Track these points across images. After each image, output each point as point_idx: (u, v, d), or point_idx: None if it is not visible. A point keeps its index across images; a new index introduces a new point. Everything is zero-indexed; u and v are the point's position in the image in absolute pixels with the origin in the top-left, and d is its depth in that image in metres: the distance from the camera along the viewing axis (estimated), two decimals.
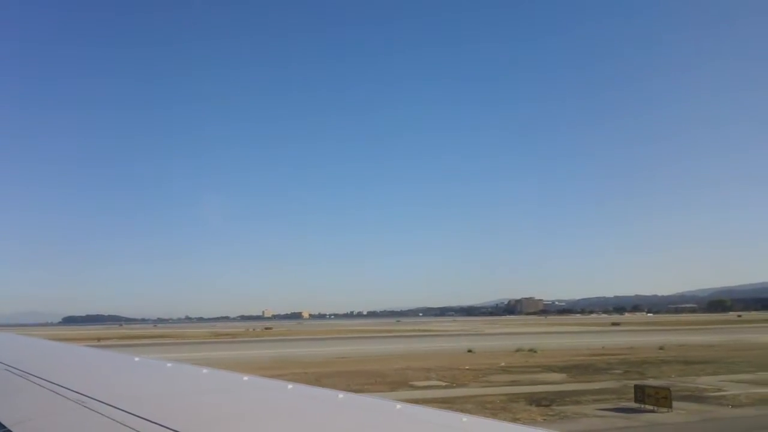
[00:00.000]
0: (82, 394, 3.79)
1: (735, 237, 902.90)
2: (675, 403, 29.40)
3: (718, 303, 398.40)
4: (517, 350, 65.47)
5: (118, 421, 3.04)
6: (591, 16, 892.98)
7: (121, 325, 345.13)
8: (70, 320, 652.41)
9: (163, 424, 2.88)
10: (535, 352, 63.25)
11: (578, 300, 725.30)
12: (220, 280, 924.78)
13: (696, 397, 32.95)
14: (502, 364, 52.06)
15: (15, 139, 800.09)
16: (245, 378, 4.36)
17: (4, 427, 3.38)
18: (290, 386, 3.90)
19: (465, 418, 2.97)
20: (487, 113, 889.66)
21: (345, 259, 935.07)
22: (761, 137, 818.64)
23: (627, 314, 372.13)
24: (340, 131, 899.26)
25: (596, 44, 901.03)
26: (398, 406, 3.22)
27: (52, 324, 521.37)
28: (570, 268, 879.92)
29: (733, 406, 29.58)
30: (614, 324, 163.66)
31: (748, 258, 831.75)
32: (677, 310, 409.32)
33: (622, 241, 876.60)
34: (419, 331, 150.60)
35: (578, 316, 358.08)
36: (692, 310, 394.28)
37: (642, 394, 29.75)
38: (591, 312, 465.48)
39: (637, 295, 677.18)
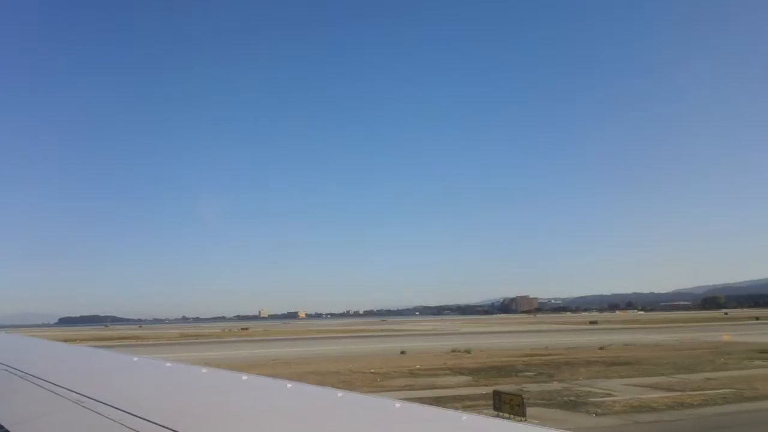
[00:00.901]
0: (81, 394, 3.79)
1: (733, 234, 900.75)
2: (537, 410, 26.92)
3: (711, 300, 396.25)
4: (452, 351, 62.83)
5: (117, 421, 3.05)
6: (591, 15, 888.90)
7: (106, 325, 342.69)
8: (65, 321, 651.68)
9: (162, 424, 2.89)
10: (468, 353, 60.62)
11: (576, 298, 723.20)
12: (217, 280, 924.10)
13: (571, 402, 30.27)
14: (417, 366, 49.41)
15: (9, 138, 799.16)
16: (244, 377, 4.32)
17: (3, 427, 3.37)
18: (289, 385, 3.89)
19: (465, 416, 2.96)
20: (484, 111, 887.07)
21: (343, 258, 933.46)
22: (760, 133, 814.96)
23: (618, 312, 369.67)
24: (338, 130, 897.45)
25: (594, 44, 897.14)
26: (398, 404, 3.20)
27: (47, 325, 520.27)
28: (569, 267, 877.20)
29: (597, 415, 26.90)
30: (592, 323, 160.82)
31: (746, 255, 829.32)
32: (671, 308, 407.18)
33: (621, 239, 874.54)
34: (391, 331, 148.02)
35: (568, 314, 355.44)
36: (686, 308, 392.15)
37: (499, 401, 27.21)
38: (585, 310, 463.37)
39: (634, 293, 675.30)
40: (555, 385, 36.76)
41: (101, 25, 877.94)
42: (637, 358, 52.56)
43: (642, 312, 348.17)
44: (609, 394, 32.91)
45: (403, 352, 63.19)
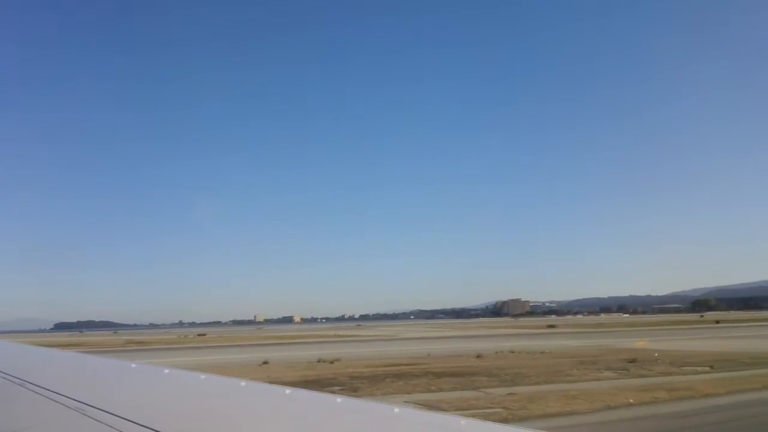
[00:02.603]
0: (80, 401, 3.75)
1: (730, 236, 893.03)
2: None
3: (701, 303, 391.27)
4: (320, 360, 58.08)
5: (117, 428, 3.01)
6: (590, 15, 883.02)
7: (81, 331, 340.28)
8: (61, 327, 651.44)
9: (161, 430, 2.88)
10: (332, 363, 55.72)
11: (572, 301, 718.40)
12: (213, 285, 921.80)
13: None
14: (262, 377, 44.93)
15: (4, 144, 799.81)
16: (243, 383, 4.31)
17: None
18: (288, 391, 3.89)
19: (464, 420, 2.95)
20: (480, 113, 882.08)
21: (339, 262, 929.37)
22: (759, 136, 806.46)
23: (602, 315, 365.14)
24: (334, 133, 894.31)
25: (591, 46, 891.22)
26: (396, 409, 3.22)
27: (43, 331, 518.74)
28: (566, 270, 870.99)
29: None
30: (549, 326, 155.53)
31: (742, 257, 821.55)
32: (662, 310, 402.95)
33: (619, 242, 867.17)
34: (345, 336, 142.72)
35: (553, 317, 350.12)
36: (677, 310, 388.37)
37: None
38: (576, 313, 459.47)
39: (631, 296, 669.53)
40: None
41: (95, 30, 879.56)
42: (492, 368, 47.41)
43: (626, 315, 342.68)
44: None
45: (265, 362, 58.55)
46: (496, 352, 62.15)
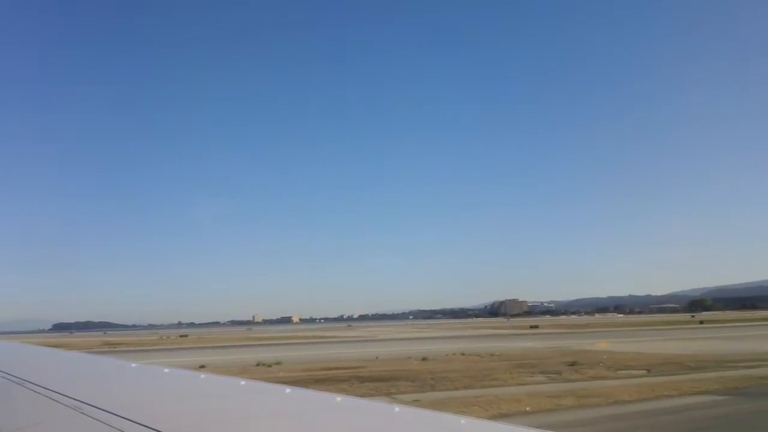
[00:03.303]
0: (79, 400, 3.74)
1: (730, 236, 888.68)
2: None
3: (698, 303, 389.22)
4: (258, 364, 56.37)
5: (116, 428, 3.01)
6: (591, 15, 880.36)
7: (71, 332, 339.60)
8: (60, 327, 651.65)
9: (161, 430, 2.88)
10: (269, 366, 53.89)
11: (572, 301, 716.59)
12: (213, 285, 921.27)
13: None
14: None
15: (3, 144, 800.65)
16: (242, 382, 4.32)
17: None
18: (288, 390, 3.88)
19: (464, 420, 2.95)
20: (479, 113, 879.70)
21: (340, 263, 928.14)
22: (759, 136, 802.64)
23: (597, 315, 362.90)
24: (334, 133, 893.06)
25: (590, 46, 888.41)
26: (397, 408, 3.23)
27: (42, 331, 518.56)
28: (566, 270, 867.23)
29: None
30: (533, 327, 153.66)
31: (742, 257, 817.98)
32: (659, 310, 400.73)
33: (619, 242, 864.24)
34: (321, 337, 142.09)
35: (547, 317, 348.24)
36: (673, 310, 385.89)
37: None
38: (573, 313, 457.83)
39: (630, 295, 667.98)
40: None
41: (95, 31, 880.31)
42: (424, 372, 45.45)
43: (621, 315, 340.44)
44: None
45: (202, 366, 56.75)
46: (447, 355, 60.45)
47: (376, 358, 59.92)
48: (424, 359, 55.52)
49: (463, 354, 60.62)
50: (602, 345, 70.53)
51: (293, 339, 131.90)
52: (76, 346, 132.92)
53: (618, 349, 63.98)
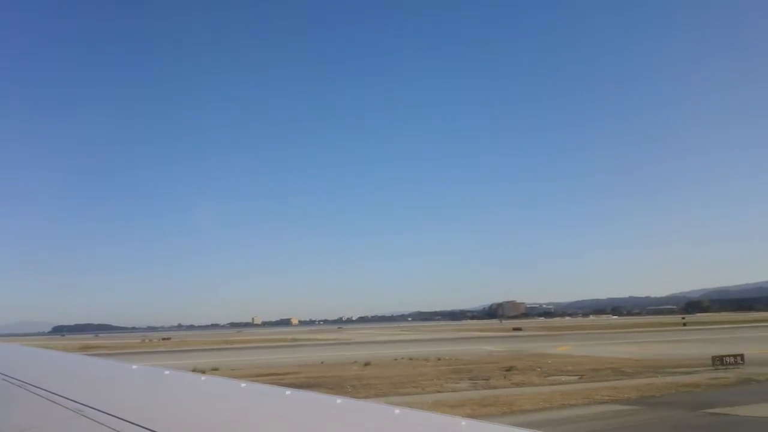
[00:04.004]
0: (80, 403, 3.75)
1: (730, 237, 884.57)
2: None
3: (695, 304, 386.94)
4: (194, 370, 54.91)
5: (116, 430, 3.03)
6: (590, 14, 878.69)
7: (62, 335, 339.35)
8: (59, 330, 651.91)
9: (161, 431, 2.92)
10: (204, 372, 52.72)
11: (572, 302, 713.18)
12: (213, 287, 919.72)
13: None
14: None
15: (4, 147, 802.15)
16: (243, 384, 4.29)
17: None
18: (288, 392, 3.86)
19: (464, 421, 2.95)
20: (478, 114, 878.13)
21: (340, 264, 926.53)
22: (759, 135, 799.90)
23: (591, 317, 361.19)
24: (333, 134, 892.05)
25: (590, 45, 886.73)
26: (397, 410, 3.20)
27: (42, 333, 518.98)
28: (566, 271, 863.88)
29: None
30: (515, 329, 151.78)
31: (742, 258, 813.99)
32: (656, 312, 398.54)
33: (619, 243, 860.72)
34: (296, 340, 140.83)
35: (541, 319, 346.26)
36: (671, 312, 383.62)
37: None
38: (570, 315, 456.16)
39: (631, 297, 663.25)
40: None
41: (95, 33, 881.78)
42: (354, 378, 43.69)
43: (615, 317, 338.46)
44: None
45: None
46: (396, 359, 58.87)
47: (321, 362, 58.36)
48: (366, 364, 53.91)
49: (410, 359, 59.02)
50: (563, 349, 68.88)
51: (267, 342, 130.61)
52: (54, 349, 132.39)
53: (575, 353, 62.39)
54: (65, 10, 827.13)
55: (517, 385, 37.53)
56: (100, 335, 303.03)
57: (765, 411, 24.47)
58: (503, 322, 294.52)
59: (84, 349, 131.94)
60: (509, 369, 45.34)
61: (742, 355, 43.80)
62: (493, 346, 78.78)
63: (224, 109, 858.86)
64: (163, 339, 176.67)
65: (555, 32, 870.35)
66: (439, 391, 35.70)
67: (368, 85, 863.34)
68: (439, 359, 57.37)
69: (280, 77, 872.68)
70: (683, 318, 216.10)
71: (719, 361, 42.50)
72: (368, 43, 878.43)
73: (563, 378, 40.31)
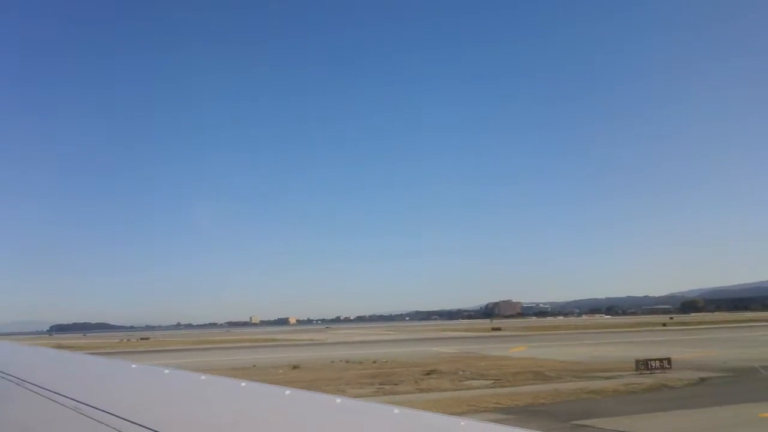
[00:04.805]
0: (78, 401, 3.73)
1: (728, 237, 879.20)
2: None
3: (690, 304, 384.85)
4: None
5: (115, 429, 3.05)
6: (590, 14, 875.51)
7: (51, 335, 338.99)
8: (57, 329, 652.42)
9: (160, 431, 2.92)
10: None
11: (569, 302, 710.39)
12: (211, 286, 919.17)
13: None
14: None
15: (1, 147, 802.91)
16: (243, 384, 4.22)
17: None
18: (288, 392, 3.76)
19: (464, 421, 2.93)
20: (477, 114, 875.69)
21: (338, 264, 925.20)
22: (758, 136, 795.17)
23: (584, 317, 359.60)
24: (332, 134, 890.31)
25: (592, 46, 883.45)
26: (396, 410, 3.16)
27: (39, 332, 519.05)
28: (564, 270, 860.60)
29: None
30: (495, 329, 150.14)
31: (740, 258, 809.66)
32: (651, 312, 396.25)
33: (618, 243, 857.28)
34: (277, 340, 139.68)
35: (533, 318, 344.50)
36: (666, 312, 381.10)
37: None
38: (568, 314, 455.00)
39: (629, 296, 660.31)
40: None
41: (94, 33, 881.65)
42: (265, 382, 42.99)
43: (608, 317, 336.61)
44: None
45: None
46: (333, 362, 57.53)
47: (254, 366, 56.93)
48: (294, 367, 52.56)
49: (346, 361, 57.55)
50: (516, 350, 67.35)
51: (241, 342, 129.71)
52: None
53: (520, 355, 61.02)
54: (65, 10, 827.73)
55: (422, 390, 36.11)
56: (88, 334, 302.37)
57: (627, 424, 22.92)
58: (493, 321, 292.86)
59: (57, 348, 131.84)
60: (429, 373, 43.91)
61: (669, 359, 42.35)
62: (450, 347, 77.28)
63: (224, 109, 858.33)
64: (142, 339, 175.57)
65: (555, 32, 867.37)
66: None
67: (368, 86, 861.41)
68: (374, 362, 55.94)
69: (280, 77, 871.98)
70: (671, 318, 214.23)
71: (644, 366, 40.98)
72: (368, 43, 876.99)
73: (476, 383, 38.85)
